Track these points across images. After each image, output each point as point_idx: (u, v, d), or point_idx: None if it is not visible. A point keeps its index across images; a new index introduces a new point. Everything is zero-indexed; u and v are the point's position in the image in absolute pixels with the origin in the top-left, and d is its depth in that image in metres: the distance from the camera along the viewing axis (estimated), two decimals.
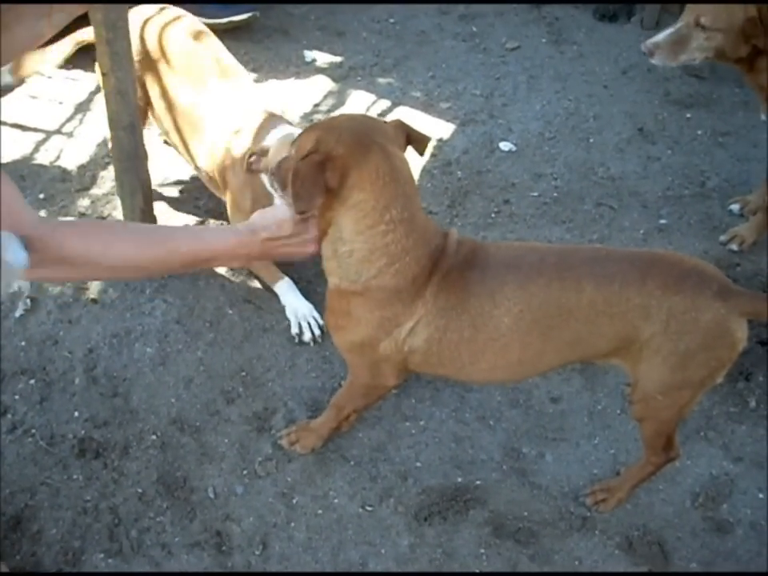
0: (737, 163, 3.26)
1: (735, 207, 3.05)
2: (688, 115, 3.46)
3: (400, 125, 1.81)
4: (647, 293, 1.74)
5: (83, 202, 2.95)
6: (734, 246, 2.90)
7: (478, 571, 2.11)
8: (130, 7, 2.40)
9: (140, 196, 2.54)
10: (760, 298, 1.80)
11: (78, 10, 2.27)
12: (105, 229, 1.74)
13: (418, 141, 1.84)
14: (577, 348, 1.88)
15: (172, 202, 2.97)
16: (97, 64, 2.27)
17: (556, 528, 2.20)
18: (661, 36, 2.66)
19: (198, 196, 2.98)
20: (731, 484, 2.30)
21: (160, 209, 2.88)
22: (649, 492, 2.27)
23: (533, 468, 2.32)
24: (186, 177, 3.05)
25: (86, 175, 3.08)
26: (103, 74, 2.24)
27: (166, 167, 3.05)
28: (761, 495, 2.27)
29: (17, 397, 2.39)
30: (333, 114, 3.33)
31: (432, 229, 1.82)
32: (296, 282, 2.63)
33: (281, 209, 1.79)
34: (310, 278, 2.70)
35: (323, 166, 1.64)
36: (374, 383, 2.04)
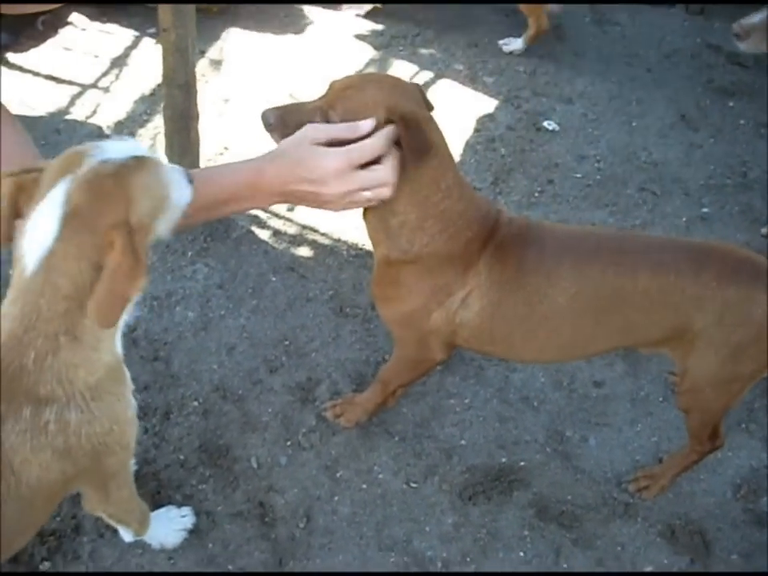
0: None
1: None
2: (731, 104, 3.43)
3: (420, 88, 1.74)
4: (702, 284, 1.72)
5: None
6: None
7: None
8: None
9: (189, 158, 2.49)
10: None
11: None
12: None
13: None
14: (628, 334, 1.86)
15: None
16: (159, 18, 2.21)
17: (599, 513, 2.19)
18: (757, 17, 2.45)
19: None
20: None
21: None
22: (690, 481, 2.27)
23: (576, 452, 2.31)
24: (240, 147, 3.00)
25: (124, 132, 3.02)
26: (164, 30, 2.19)
27: (217, 136, 3.00)
28: None
29: None
30: None
31: (479, 197, 1.79)
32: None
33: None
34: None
35: (420, 129, 1.58)
36: (420, 357, 2.01)
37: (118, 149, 1.26)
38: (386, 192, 1.58)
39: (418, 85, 1.73)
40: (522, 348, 1.92)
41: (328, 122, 1.59)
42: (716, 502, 2.24)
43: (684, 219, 2.94)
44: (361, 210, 1.71)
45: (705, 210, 2.99)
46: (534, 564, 2.08)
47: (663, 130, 3.29)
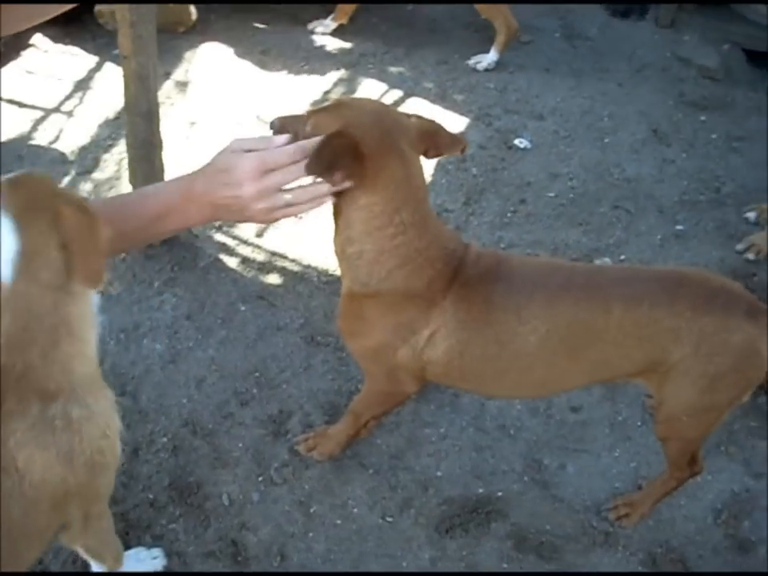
0: (751, 169, 3.23)
1: (752, 215, 3.02)
2: (702, 118, 3.43)
3: (429, 127, 1.70)
4: (677, 314, 1.69)
5: (85, 186, 2.84)
6: (751, 256, 2.87)
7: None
8: None
9: None
10: None
11: None
12: None
13: (449, 145, 1.74)
14: (603, 369, 1.83)
15: None
16: (119, 44, 2.15)
17: (579, 543, 2.15)
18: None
19: None
20: (752, 501, 2.27)
21: None
22: (670, 507, 2.23)
23: (554, 480, 2.27)
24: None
25: (88, 158, 2.96)
26: (124, 57, 2.13)
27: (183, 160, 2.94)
28: None
29: None
30: None
31: (447, 234, 1.75)
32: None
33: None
34: None
35: (356, 154, 1.54)
36: (391, 390, 1.97)
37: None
38: (306, 202, 1.57)
39: (411, 119, 1.69)
40: (495, 385, 1.89)
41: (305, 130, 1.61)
42: (697, 528, 2.21)
43: (659, 237, 2.92)
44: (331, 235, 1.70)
45: (679, 227, 2.97)
46: None
47: (635, 146, 3.27)
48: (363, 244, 1.66)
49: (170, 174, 2.68)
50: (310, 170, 1.51)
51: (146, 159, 2.36)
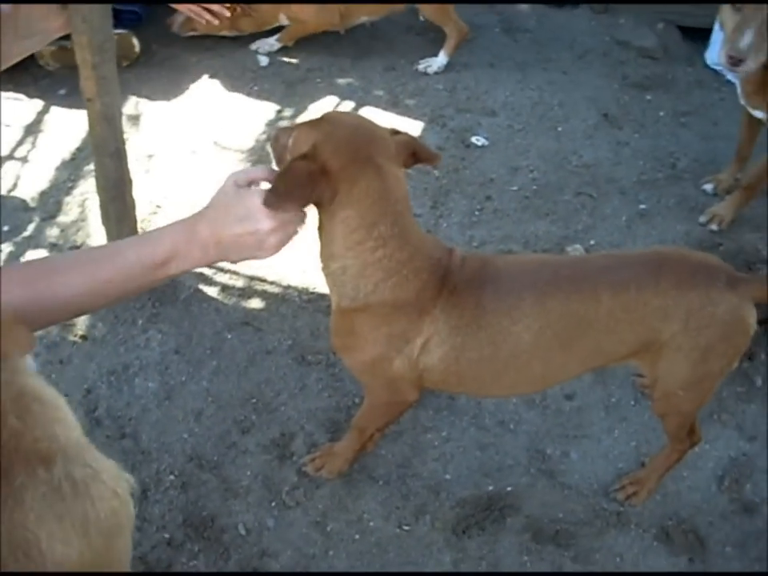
0: (702, 142, 3.32)
1: (709, 187, 3.11)
2: (648, 97, 3.51)
3: (407, 141, 1.74)
4: (663, 293, 1.75)
5: (52, 232, 2.80)
6: (714, 226, 2.95)
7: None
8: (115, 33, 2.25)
9: (126, 224, 2.41)
10: (762, 282, 1.84)
11: (53, 33, 2.15)
12: (45, 267, 1.57)
13: (426, 158, 1.78)
14: (598, 356, 1.89)
15: None
16: (82, 87, 2.13)
17: (593, 526, 2.20)
18: (747, 38, 2.30)
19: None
20: (750, 464, 2.35)
21: None
22: (675, 480, 2.29)
23: (560, 468, 2.31)
24: (173, 203, 2.94)
25: (50, 202, 2.92)
26: (88, 100, 2.11)
27: (147, 194, 2.92)
28: None
29: None
30: (298, 120, 3.25)
31: (431, 243, 1.77)
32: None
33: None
34: None
35: (315, 179, 1.56)
36: (392, 400, 1.98)
37: None
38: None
39: (404, 136, 1.72)
40: (494, 386, 1.92)
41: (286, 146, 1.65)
42: (702, 497, 2.27)
43: (624, 218, 2.99)
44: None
45: (642, 206, 3.04)
46: None
47: (588, 132, 3.34)
48: (345, 259, 1.67)
49: (139, 210, 2.66)
50: (267, 205, 1.51)
51: (118, 198, 2.34)
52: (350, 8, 3.51)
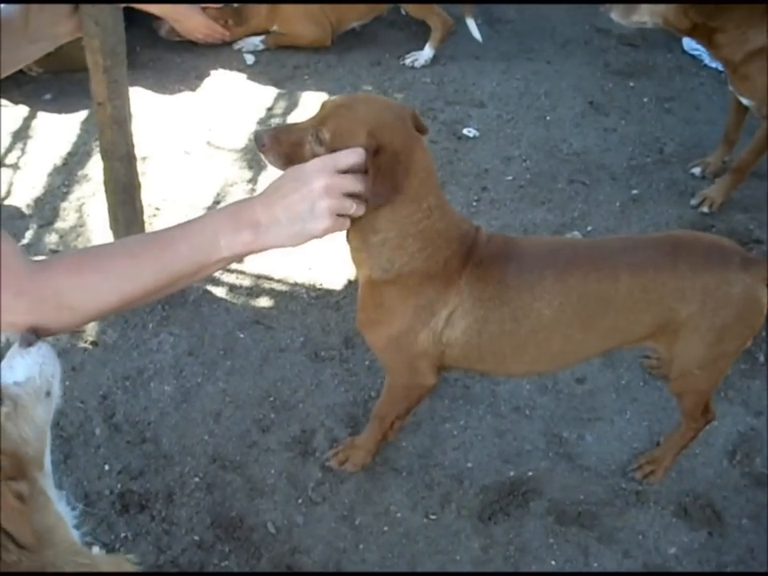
0: (686, 126, 3.39)
1: (697, 170, 3.17)
2: (631, 84, 3.57)
3: (414, 113, 1.75)
4: (680, 275, 1.80)
5: (51, 238, 2.78)
6: (705, 209, 3.01)
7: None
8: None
9: (136, 228, 2.40)
10: None
11: (61, 38, 2.12)
12: (95, 254, 1.52)
13: (422, 130, 1.77)
14: (617, 336, 1.93)
15: None
16: (93, 92, 2.11)
17: (613, 506, 2.24)
18: None
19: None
20: (759, 438, 2.41)
21: None
22: (688, 458, 2.34)
23: (577, 451, 2.35)
24: (172, 205, 2.92)
25: (46, 208, 2.89)
26: (98, 104, 2.10)
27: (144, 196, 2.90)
28: None
29: None
30: (290, 118, 3.25)
31: (459, 216, 1.82)
32: None
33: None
34: None
35: (398, 162, 1.58)
36: (412, 383, 2.00)
37: None
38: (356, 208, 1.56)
39: (408, 108, 1.72)
40: (513, 362, 1.95)
41: (319, 139, 1.59)
42: (715, 472, 2.33)
43: (618, 204, 3.04)
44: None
45: (634, 191, 3.10)
46: (567, 570, 2.11)
47: (576, 120, 3.39)
48: (389, 232, 1.69)
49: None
50: (375, 202, 1.56)
51: (128, 202, 2.32)
52: (341, 15, 3.52)
